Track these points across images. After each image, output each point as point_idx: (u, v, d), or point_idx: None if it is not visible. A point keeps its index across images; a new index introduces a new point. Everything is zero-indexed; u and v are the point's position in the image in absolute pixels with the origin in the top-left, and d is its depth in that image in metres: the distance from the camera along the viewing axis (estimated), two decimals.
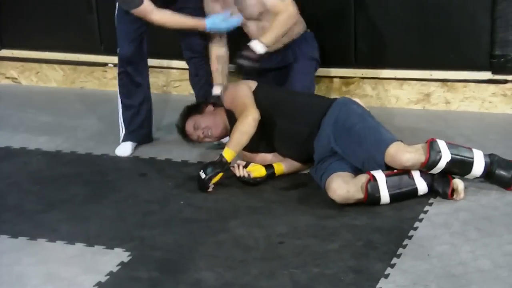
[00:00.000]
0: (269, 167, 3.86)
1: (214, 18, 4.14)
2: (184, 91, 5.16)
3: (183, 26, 4.16)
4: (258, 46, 4.02)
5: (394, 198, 3.50)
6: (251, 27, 4.23)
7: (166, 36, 4.34)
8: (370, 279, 2.97)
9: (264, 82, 4.06)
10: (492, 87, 4.49)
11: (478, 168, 3.49)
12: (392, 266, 3.04)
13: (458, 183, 3.51)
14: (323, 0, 4.66)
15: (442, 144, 3.47)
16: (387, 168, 3.52)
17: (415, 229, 3.31)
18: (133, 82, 4.33)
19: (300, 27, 4.30)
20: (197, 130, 3.98)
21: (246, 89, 3.90)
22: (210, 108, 4.03)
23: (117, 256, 3.28)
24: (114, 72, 5.28)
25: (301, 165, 3.92)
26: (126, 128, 4.38)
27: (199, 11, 4.21)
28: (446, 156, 3.44)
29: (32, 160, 4.38)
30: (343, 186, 3.50)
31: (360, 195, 3.49)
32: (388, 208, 3.48)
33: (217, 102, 4.05)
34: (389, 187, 3.48)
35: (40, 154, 4.44)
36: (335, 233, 3.33)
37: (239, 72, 4.16)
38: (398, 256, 3.11)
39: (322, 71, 4.59)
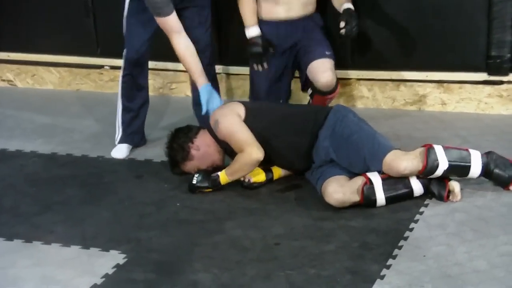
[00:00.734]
0: (268, 172, 3.85)
1: (212, 93, 3.94)
2: (180, 93, 5.15)
3: (186, 67, 4.04)
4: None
5: (390, 200, 3.50)
6: None
7: (162, 38, 4.33)
8: (366, 280, 2.97)
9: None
10: (488, 88, 4.49)
11: (475, 170, 3.50)
12: (388, 267, 3.04)
13: (454, 185, 3.51)
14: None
15: (439, 151, 3.46)
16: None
17: (411, 230, 3.31)
18: (136, 85, 4.32)
19: (314, 6, 4.29)
20: (188, 171, 3.91)
21: (238, 122, 3.75)
22: (196, 149, 3.86)
23: (113, 258, 3.27)
24: (111, 74, 5.29)
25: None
26: (123, 130, 4.37)
27: (205, 10, 4.17)
28: (443, 164, 3.44)
29: (28, 162, 4.37)
30: (339, 190, 3.50)
31: (356, 198, 3.49)
32: (384, 210, 3.48)
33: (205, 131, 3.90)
34: (385, 190, 3.48)
35: (36, 156, 4.43)
36: (331, 235, 3.33)
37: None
38: (394, 257, 3.11)
39: None
